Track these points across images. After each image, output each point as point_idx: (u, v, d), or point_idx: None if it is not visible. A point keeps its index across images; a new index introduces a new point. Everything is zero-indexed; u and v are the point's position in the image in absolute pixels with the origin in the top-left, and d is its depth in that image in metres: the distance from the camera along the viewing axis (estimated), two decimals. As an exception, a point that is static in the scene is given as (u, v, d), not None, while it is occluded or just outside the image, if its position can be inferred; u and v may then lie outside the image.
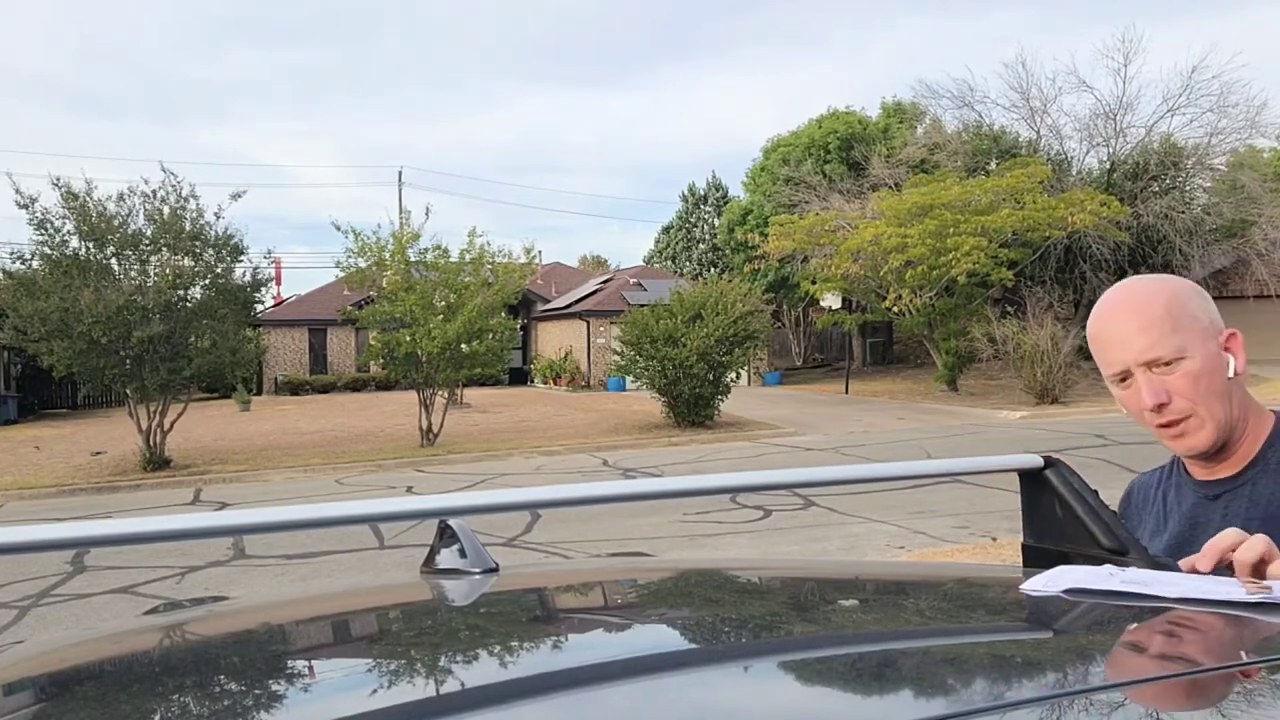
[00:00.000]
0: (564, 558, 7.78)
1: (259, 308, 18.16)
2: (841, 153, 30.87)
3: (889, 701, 0.78)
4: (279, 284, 34.64)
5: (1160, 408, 1.32)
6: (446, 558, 1.38)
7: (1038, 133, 28.03)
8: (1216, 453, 1.36)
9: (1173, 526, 1.44)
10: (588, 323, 30.47)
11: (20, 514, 11.87)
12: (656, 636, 1.08)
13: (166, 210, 14.09)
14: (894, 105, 32.36)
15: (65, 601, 7.26)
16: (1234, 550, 1.07)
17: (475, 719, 0.74)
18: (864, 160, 29.19)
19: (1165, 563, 1.19)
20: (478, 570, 1.33)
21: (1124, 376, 1.35)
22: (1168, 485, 1.49)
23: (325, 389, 30.65)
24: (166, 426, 14.52)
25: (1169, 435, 1.36)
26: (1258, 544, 1.06)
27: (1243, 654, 0.88)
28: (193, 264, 14.38)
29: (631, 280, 32.53)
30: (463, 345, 16.07)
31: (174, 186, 14.22)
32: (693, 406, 17.76)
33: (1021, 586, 1.05)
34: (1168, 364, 1.31)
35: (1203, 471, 1.41)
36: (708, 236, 41.26)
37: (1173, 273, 28.38)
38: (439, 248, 16.80)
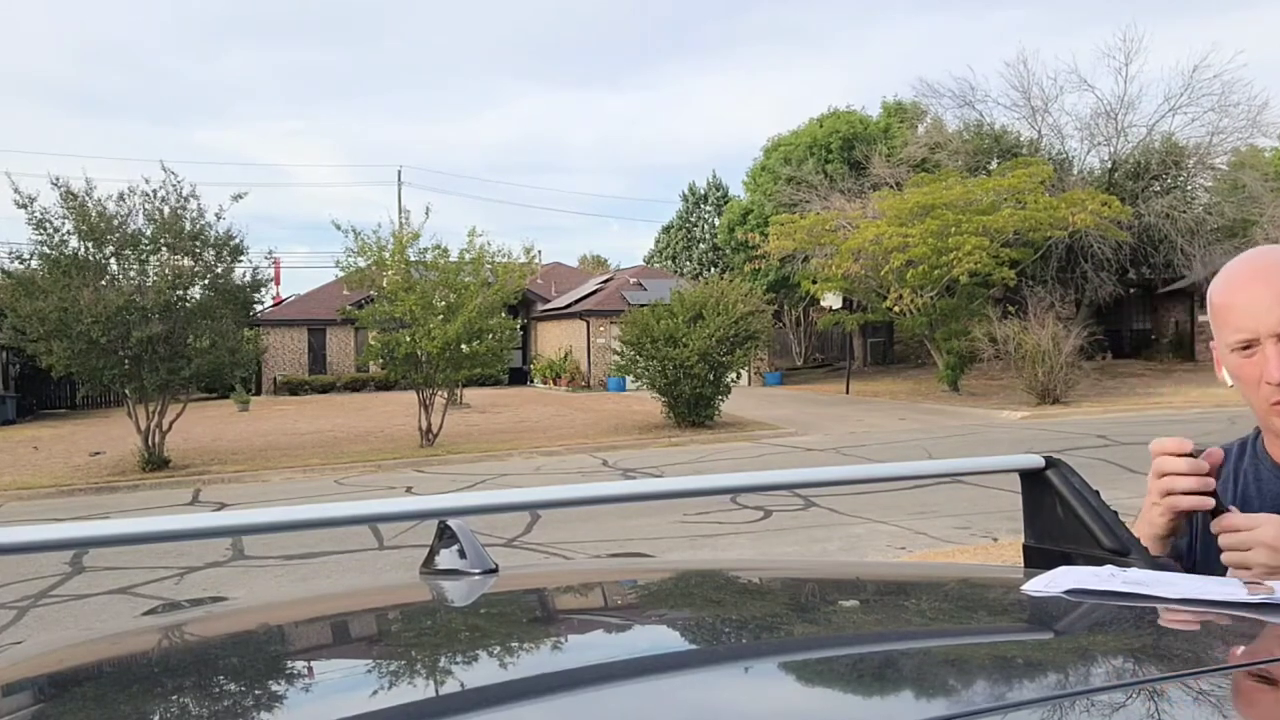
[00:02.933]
0: (564, 558, 7.77)
1: (258, 308, 18.15)
2: (843, 152, 30.88)
3: (890, 702, 0.78)
4: (278, 284, 34.66)
5: None
6: (446, 558, 1.38)
7: (1039, 132, 28.04)
8: None
9: (1259, 508, 1.37)
10: (588, 323, 30.47)
11: (19, 514, 11.87)
12: (657, 637, 1.08)
13: (167, 210, 14.09)
14: (895, 105, 32.37)
15: (64, 602, 7.26)
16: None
17: (475, 719, 0.74)
18: (865, 160, 29.19)
19: (1166, 563, 1.18)
20: (477, 571, 1.33)
21: (1248, 345, 1.31)
22: (1249, 465, 1.44)
23: (324, 389, 30.65)
24: (165, 427, 14.52)
25: None
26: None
27: (1243, 654, 0.88)
28: (192, 264, 14.38)
29: (631, 280, 32.52)
30: (462, 345, 16.07)
31: (175, 186, 14.23)
32: (693, 406, 17.75)
33: (1023, 587, 1.05)
34: None
35: None
36: (708, 236, 41.27)
37: (1173, 274, 28.04)
38: (439, 247, 16.81)
